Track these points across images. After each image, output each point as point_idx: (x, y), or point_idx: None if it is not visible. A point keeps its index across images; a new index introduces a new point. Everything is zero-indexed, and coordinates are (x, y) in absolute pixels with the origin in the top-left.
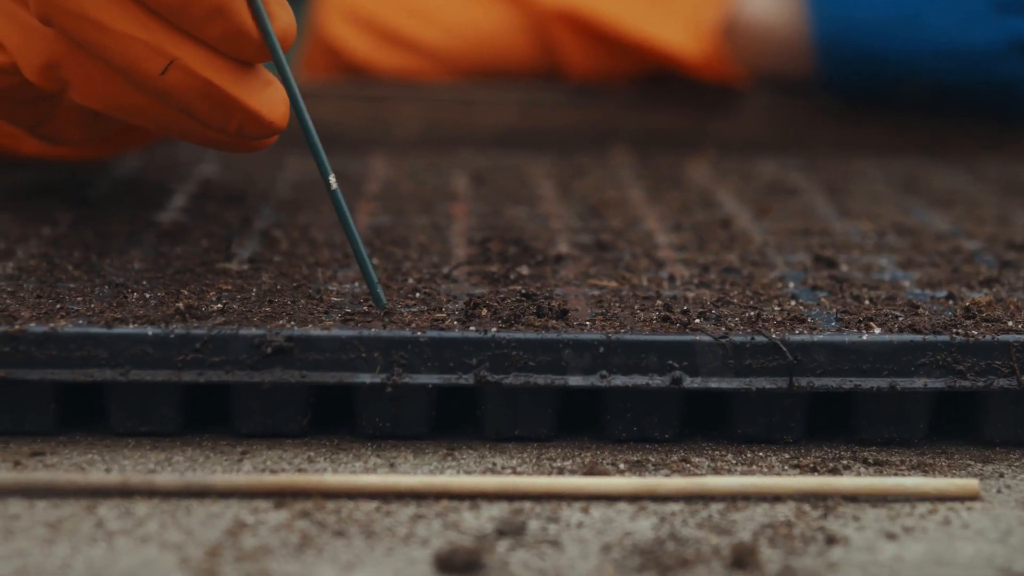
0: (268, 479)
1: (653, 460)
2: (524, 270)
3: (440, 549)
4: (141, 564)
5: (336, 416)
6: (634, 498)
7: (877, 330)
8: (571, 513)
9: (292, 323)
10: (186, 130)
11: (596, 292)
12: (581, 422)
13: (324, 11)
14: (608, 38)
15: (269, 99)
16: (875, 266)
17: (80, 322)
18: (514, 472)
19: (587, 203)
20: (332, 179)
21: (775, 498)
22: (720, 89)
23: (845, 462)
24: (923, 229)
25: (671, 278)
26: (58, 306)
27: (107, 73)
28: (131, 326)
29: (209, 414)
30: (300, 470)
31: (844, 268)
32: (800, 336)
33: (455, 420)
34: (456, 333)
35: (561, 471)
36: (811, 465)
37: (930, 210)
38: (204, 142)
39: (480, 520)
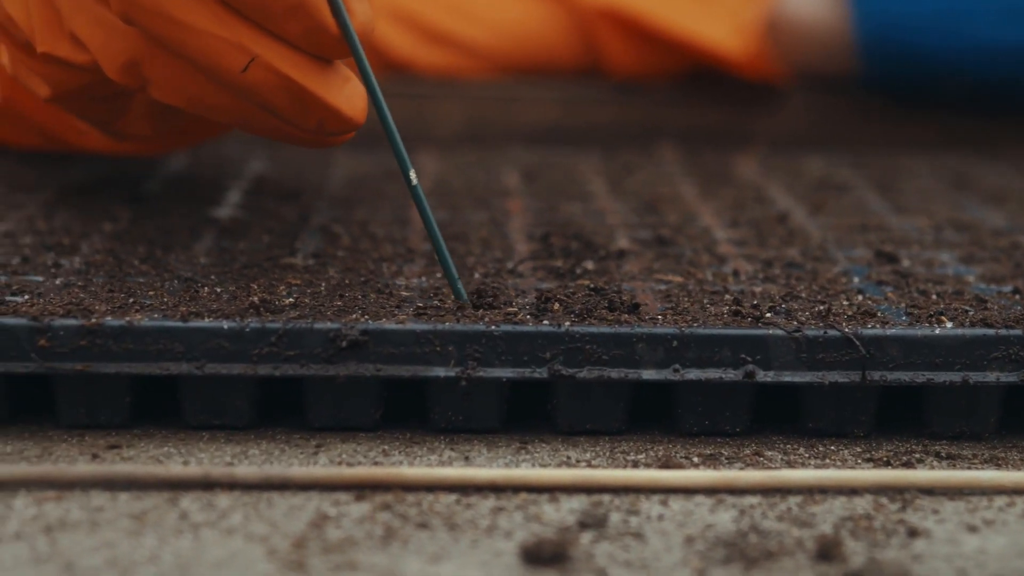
0: (348, 472)
1: (726, 454)
2: (589, 265)
3: (526, 541)
4: (229, 556)
5: (406, 409)
6: (712, 491)
7: (949, 324)
8: (650, 506)
9: (365, 317)
10: (266, 126)
11: (663, 287)
12: (651, 415)
13: None
14: (651, 35)
15: (349, 95)
16: (936, 261)
17: (155, 316)
18: (589, 465)
19: (641, 199)
20: (412, 174)
21: (852, 491)
22: (762, 86)
23: (917, 456)
24: (979, 225)
25: (735, 273)
26: (131, 300)
27: (188, 70)
28: (206, 320)
29: (280, 407)
30: (376, 463)
31: (906, 263)
32: (873, 330)
33: (525, 413)
34: (530, 327)
35: (636, 464)
36: (884, 459)
37: (983, 206)
38: (283, 138)
39: (561, 512)
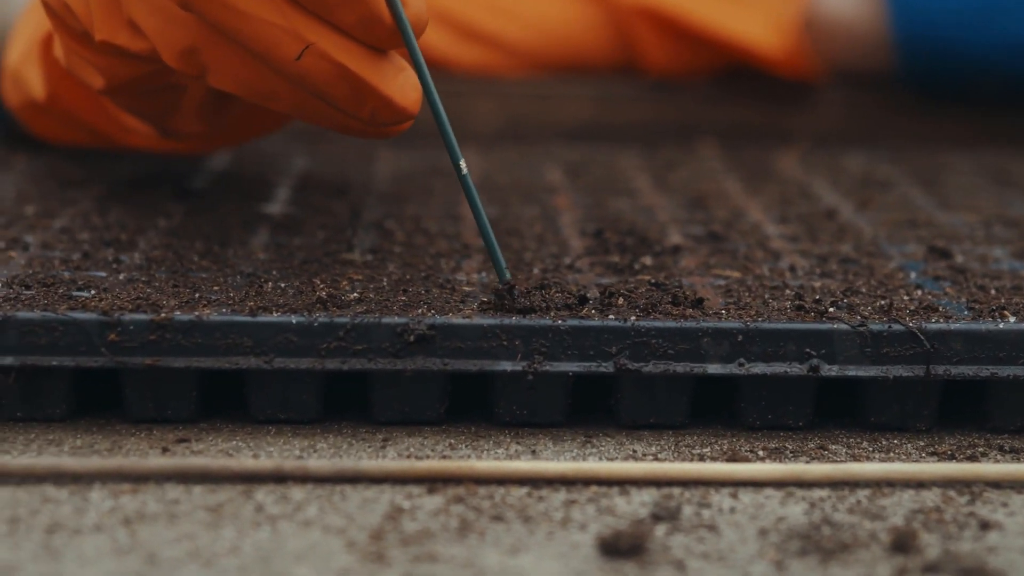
0: (420, 465)
1: (791, 447)
2: (647, 260)
3: (603, 533)
4: (308, 547)
5: (470, 403)
6: (780, 484)
7: (1012, 319)
8: (721, 499)
9: (432, 312)
10: (320, 114)
11: (722, 282)
12: (713, 409)
13: None
14: (687, 33)
15: (402, 86)
16: (990, 257)
17: (224, 311)
18: (655, 459)
19: (687, 195)
20: (463, 164)
21: (919, 484)
22: (797, 84)
23: (981, 449)
24: None
25: (792, 268)
26: (196, 295)
27: (244, 58)
28: (275, 314)
29: (345, 401)
30: (444, 457)
31: (960, 259)
32: (937, 324)
33: (587, 407)
34: (596, 322)
35: (702, 458)
36: (948, 452)
37: None
38: (336, 127)
39: (632, 505)
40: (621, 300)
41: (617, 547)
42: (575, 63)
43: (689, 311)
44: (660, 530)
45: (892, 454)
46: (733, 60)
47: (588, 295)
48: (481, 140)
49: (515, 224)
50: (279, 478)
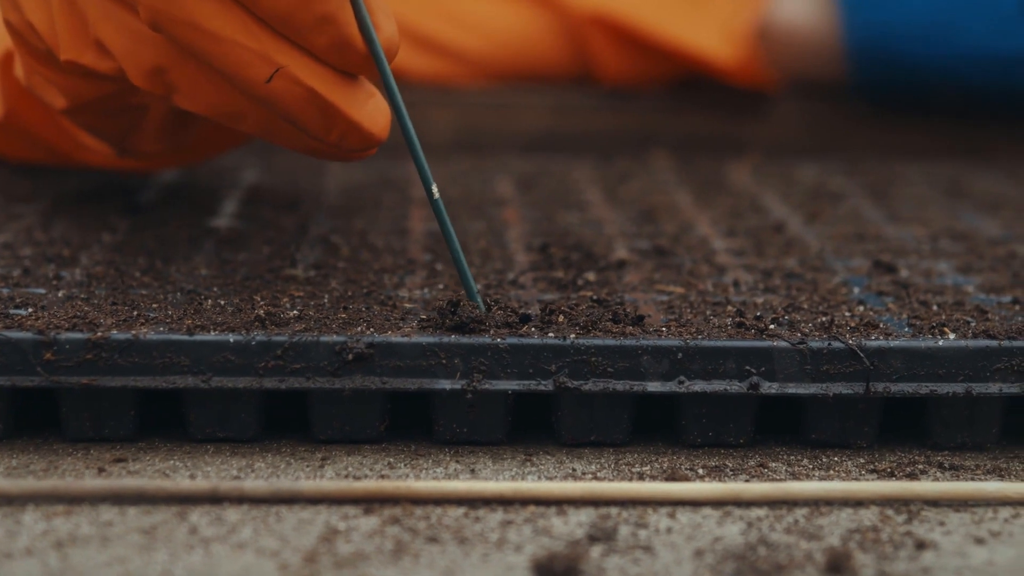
0: (357, 485)
1: (731, 465)
2: (590, 276)
3: (538, 555)
4: (241, 570)
5: (410, 421)
6: (719, 503)
7: (951, 336)
8: (658, 518)
9: (371, 330)
10: (286, 137)
11: (664, 298)
12: (654, 427)
13: None
14: (642, 43)
15: (371, 111)
16: (935, 271)
17: (161, 329)
18: (595, 477)
19: (637, 208)
20: (435, 188)
21: (857, 503)
22: (752, 93)
23: (921, 467)
24: (975, 234)
25: (736, 283)
26: (135, 313)
27: (213, 79)
28: (212, 333)
29: (284, 419)
30: (383, 476)
31: (904, 273)
32: (877, 342)
33: (528, 425)
34: (536, 340)
35: (641, 476)
36: (888, 470)
37: (978, 214)
38: (303, 149)
39: (569, 526)
40: (561, 317)
41: (551, 569)
42: (531, 72)
43: (629, 328)
44: (596, 551)
45: (832, 471)
46: (688, 69)
47: (530, 312)
48: (437, 150)
49: (462, 239)
50: (215, 499)
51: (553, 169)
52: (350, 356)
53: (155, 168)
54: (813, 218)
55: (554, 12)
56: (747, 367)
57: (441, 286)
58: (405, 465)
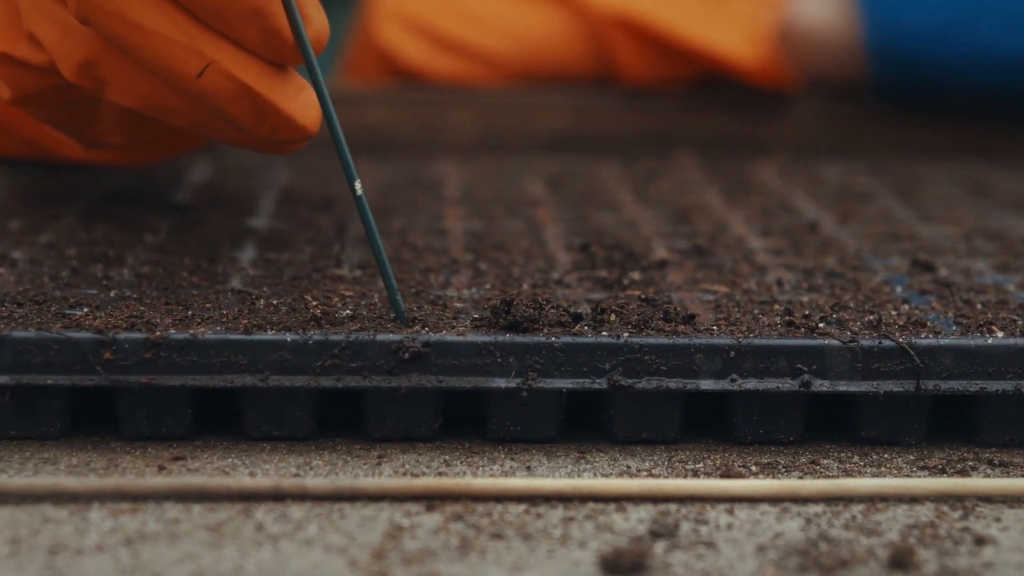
0: (418, 483)
1: (783, 462)
2: (635, 275)
3: (603, 551)
4: (312, 567)
5: (462, 419)
6: (776, 500)
7: (1000, 334)
8: (717, 515)
9: (426, 329)
10: (217, 131)
11: (710, 297)
12: (703, 423)
13: (376, 16)
14: (664, 43)
15: (303, 104)
16: (973, 270)
17: (218, 329)
18: (650, 475)
19: (669, 207)
20: (358, 185)
21: (912, 499)
22: (772, 94)
23: (971, 463)
24: (1007, 233)
25: (779, 283)
26: (190, 312)
27: (143, 73)
28: (269, 332)
29: (338, 417)
30: (440, 474)
31: (944, 272)
32: (927, 340)
33: (578, 423)
34: (590, 338)
35: (696, 473)
36: (939, 467)
37: (1006, 213)
38: (233, 142)
39: (630, 522)
40: (613, 316)
41: (619, 565)
42: (552, 73)
43: (681, 327)
44: (659, 547)
45: (883, 468)
46: (709, 70)
47: (579, 311)
48: (458, 151)
49: (501, 238)
50: (278, 496)
51: (579, 169)
52: (406, 355)
53: (131, 162)
54: (846, 218)
55: (576, 13)
56: (799, 365)
57: (488, 285)
58: (461, 463)
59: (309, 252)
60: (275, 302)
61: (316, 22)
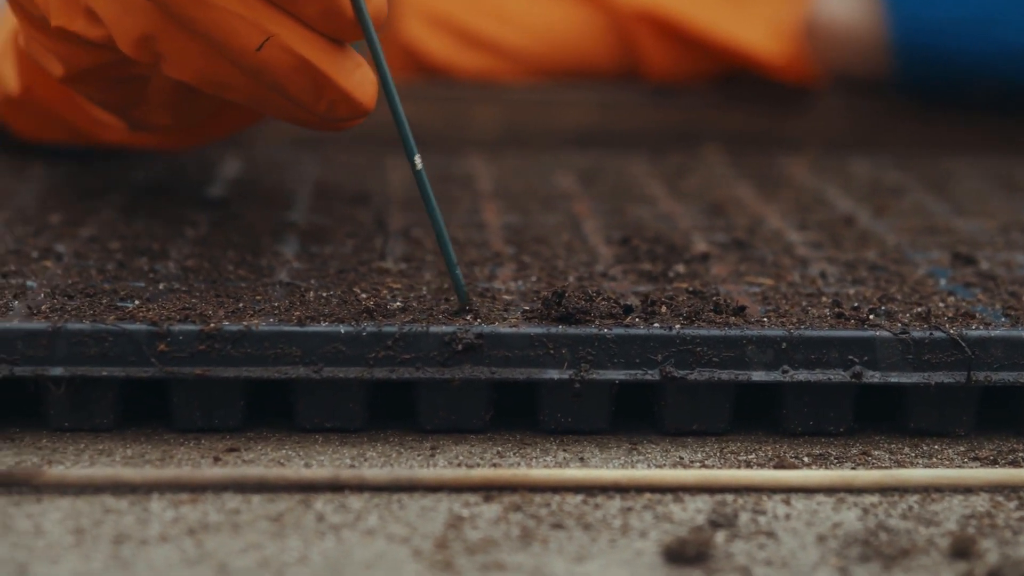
0: (475, 473)
1: (834, 453)
2: (680, 268)
3: (667, 541)
4: (375, 556)
5: (510, 411)
6: (831, 490)
7: None
8: (774, 505)
9: (478, 320)
10: (274, 106)
11: (756, 289)
12: (752, 415)
13: (400, 12)
14: (689, 39)
15: (360, 80)
16: (1014, 263)
17: (272, 320)
18: (703, 465)
19: (703, 202)
20: (418, 159)
21: (967, 490)
22: (796, 89)
23: (1021, 454)
24: None
25: (823, 275)
26: (240, 305)
27: (202, 47)
28: (323, 324)
29: (388, 409)
30: (494, 464)
31: (985, 265)
32: (977, 331)
33: (627, 414)
34: (642, 330)
35: (749, 464)
36: (990, 457)
37: None
38: (289, 118)
39: (688, 512)
40: (664, 308)
41: (683, 554)
42: (577, 69)
43: (732, 319)
44: (720, 537)
45: (935, 459)
46: (733, 66)
47: (629, 303)
48: (483, 147)
49: (541, 232)
50: (336, 487)
51: (608, 164)
52: (459, 346)
53: (171, 146)
54: (880, 211)
55: (601, 9)
56: (850, 356)
57: (534, 278)
58: (514, 454)
59: (351, 245)
60: (324, 294)
61: None
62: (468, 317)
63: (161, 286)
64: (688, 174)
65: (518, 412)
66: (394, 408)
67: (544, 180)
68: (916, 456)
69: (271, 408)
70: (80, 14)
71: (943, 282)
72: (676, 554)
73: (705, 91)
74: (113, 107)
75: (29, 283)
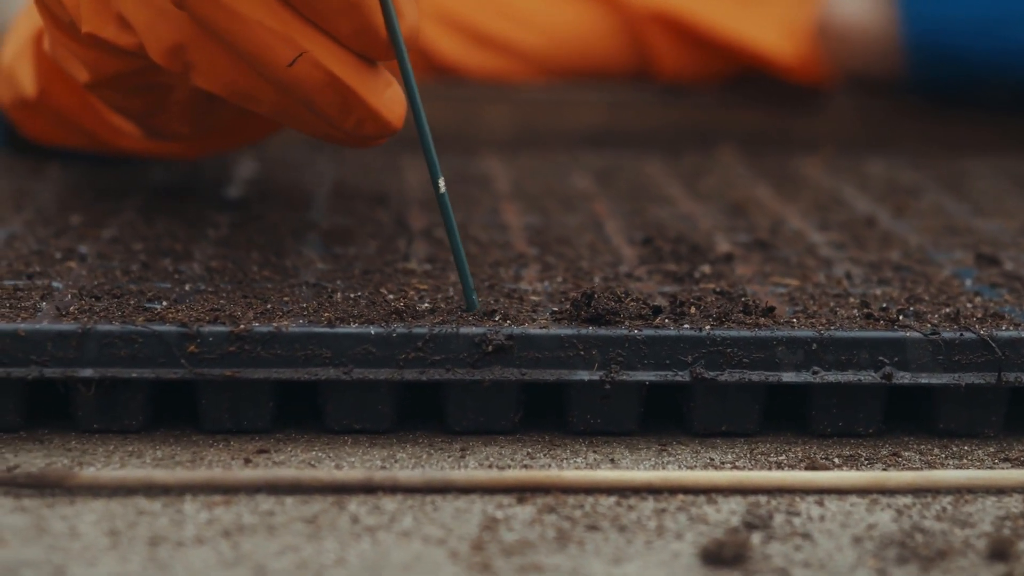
0: (508, 475)
1: (864, 455)
2: (706, 269)
3: (703, 542)
4: (412, 558)
5: (537, 412)
6: (864, 492)
7: None
8: (807, 506)
9: (508, 322)
10: (301, 121)
11: (782, 290)
12: (777, 417)
13: None
14: (702, 39)
15: (389, 99)
16: None
17: (301, 322)
18: (734, 467)
19: (722, 202)
20: (442, 183)
21: (1000, 491)
22: (809, 89)
23: None
24: None
25: (848, 276)
26: (268, 306)
27: (233, 59)
28: (353, 326)
29: (414, 410)
30: (525, 466)
31: (1010, 266)
32: (1008, 332)
33: (656, 415)
34: (672, 331)
35: (780, 466)
36: (1020, 458)
37: None
38: (316, 134)
39: (722, 514)
40: (693, 309)
41: (720, 556)
42: (589, 69)
43: (761, 320)
44: (756, 538)
45: (965, 460)
46: (746, 66)
47: (658, 304)
48: (494, 147)
49: (563, 232)
50: (369, 489)
51: (624, 165)
52: (489, 348)
53: (187, 154)
54: (900, 212)
55: (613, 9)
56: (880, 357)
57: (560, 279)
58: (544, 455)
59: (374, 246)
60: (352, 295)
61: (409, 18)
62: (497, 318)
63: (187, 287)
64: (705, 175)
65: (544, 414)
66: (421, 409)
67: (561, 180)
68: (946, 457)
69: (298, 410)
70: (111, 21)
71: (968, 283)
72: (713, 556)
73: (717, 91)
74: (133, 114)
75: (55, 284)
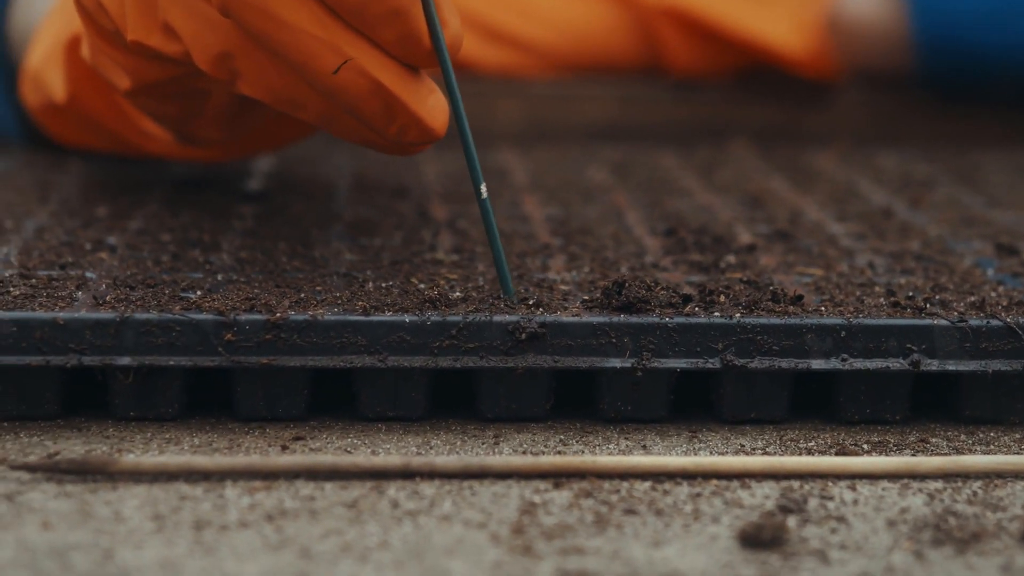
0: (544, 460)
1: (893, 441)
2: (731, 259)
3: (740, 525)
4: (455, 541)
5: (568, 400)
6: (895, 477)
7: None
8: (840, 491)
9: (540, 310)
10: (345, 127)
11: (808, 279)
12: (804, 404)
13: None
14: (713, 34)
15: (432, 106)
16: None
17: (336, 310)
18: (764, 453)
19: (740, 194)
20: (483, 188)
21: None
22: (819, 84)
23: None
24: None
25: (871, 265)
26: (302, 295)
27: (278, 67)
28: (388, 314)
29: (446, 398)
30: (559, 452)
31: None
32: None
33: (685, 402)
34: (703, 319)
35: (810, 452)
36: None
37: None
38: (359, 140)
39: (757, 498)
40: (722, 298)
41: (759, 539)
42: (600, 64)
43: (790, 308)
44: (791, 521)
45: (992, 446)
46: (756, 60)
47: (687, 293)
48: (506, 141)
49: (585, 224)
50: (407, 474)
51: (639, 158)
52: (523, 335)
53: (216, 159)
54: (916, 203)
55: (625, 4)
56: (908, 345)
57: (587, 269)
58: (576, 442)
59: (399, 237)
60: (384, 285)
61: (452, 27)
62: (531, 304)
63: (219, 277)
64: (719, 167)
65: (574, 401)
66: (453, 397)
67: (578, 173)
68: (973, 443)
69: (331, 398)
70: (157, 29)
71: (991, 272)
72: (752, 538)
73: (727, 86)
74: (169, 120)
75: (88, 274)
